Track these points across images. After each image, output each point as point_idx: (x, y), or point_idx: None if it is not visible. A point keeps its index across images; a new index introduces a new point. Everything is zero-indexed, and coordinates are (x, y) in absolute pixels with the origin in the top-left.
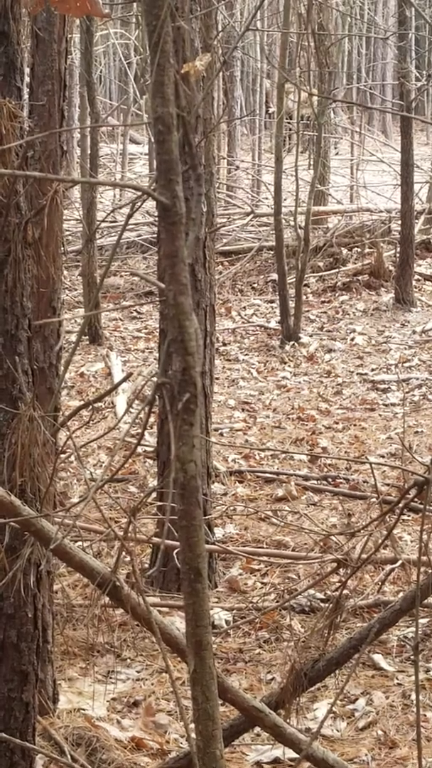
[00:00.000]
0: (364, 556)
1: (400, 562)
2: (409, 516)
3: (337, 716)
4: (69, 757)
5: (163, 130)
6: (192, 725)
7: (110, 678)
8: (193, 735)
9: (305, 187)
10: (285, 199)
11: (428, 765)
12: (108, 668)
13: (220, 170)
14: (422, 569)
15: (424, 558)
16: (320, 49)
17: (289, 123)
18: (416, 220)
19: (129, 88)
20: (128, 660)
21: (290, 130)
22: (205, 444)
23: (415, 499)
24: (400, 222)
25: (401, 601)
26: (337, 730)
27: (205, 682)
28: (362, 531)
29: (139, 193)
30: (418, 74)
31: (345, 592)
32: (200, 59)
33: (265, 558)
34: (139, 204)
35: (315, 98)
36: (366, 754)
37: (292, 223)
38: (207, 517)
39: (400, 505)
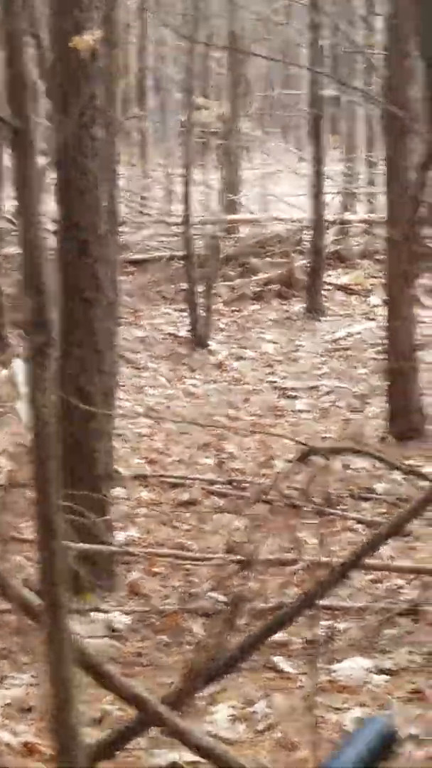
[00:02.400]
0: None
1: (301, 564)
2: (315, 521)
3: (237, 719)
4: None
5: (15, 46)
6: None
7: (3, 683)
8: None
9: (217, 196)
10: (202, 209)
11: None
12: (1, 673)
13: (133, 179)
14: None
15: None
16: (233, 58)
17: (202, 132)
18: (328, 231)
19: None
20: (22, 665)
21: (202, 139)
22: (107, 444)
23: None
24: (311, 232)
25: (300, 598)
26: (236, 733)
27: (59, 643)
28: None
29: None
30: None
31: (244, 592)
32: (91, 33)
33: (166, 558)
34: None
35: (226, 107)
36: (265, 757)
37: (203, 231)
38: (107, 518)
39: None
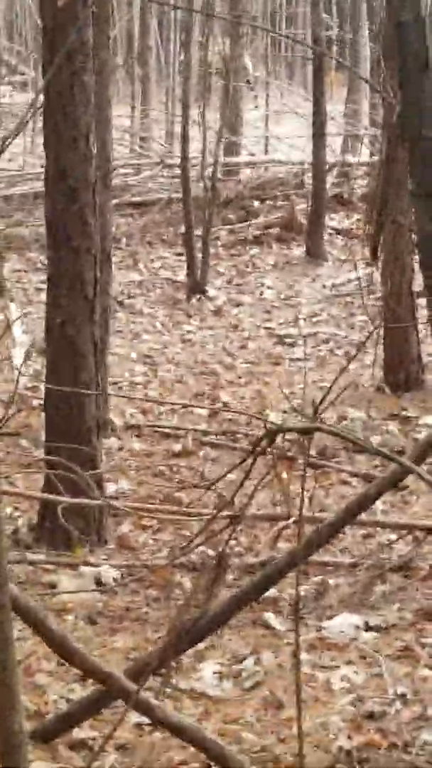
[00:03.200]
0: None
1: (293, 518)
2: (309, 472)
3: (224, 676)
4: None
5: None
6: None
7: None
8: None
9: (217, 137)
10: (201, 150)
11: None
12: None
13: (134, 120)
14: (311, 525)
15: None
16: None
17: (204, 72)
18: (329, 174)
19: None
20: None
21: (202, 79)
22: (97, 395)
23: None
24: (312, 175)
25: (285, 558)
26: (223, 691)
27: (1, 648)
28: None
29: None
30: (329, 22)
31: (232, 548)
32: None
33: (157, 514)
34: (29, 117)
35: (227, 46)
36: (251, 715)
37: (203, 173)
38: (96, 472)
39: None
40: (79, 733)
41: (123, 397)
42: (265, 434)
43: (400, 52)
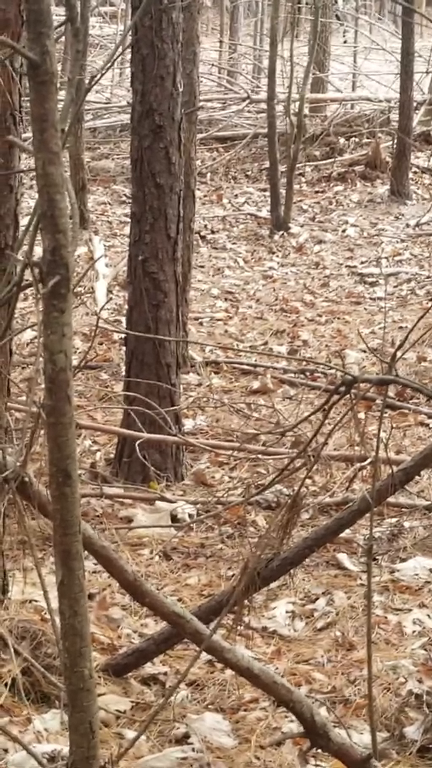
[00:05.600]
0: (334, 452)
1: (369, 460)
2: (386, 413)
3: (296, 616)
4: (12, 650)
5: None
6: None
7: None
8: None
9: (304, 73)
10: (287, 86)
11: (382, 668)
12: None
13: (223, 54)
14: (386, 468)
15: (388, 456)
16: None
17: (292, 6)
18: (416, 111)
19: None
20: (86, 552)
21: (290, 13)
22: (178, 332)
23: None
24: (398, 112)
25: (358, 502)
26: (295, 630)
27: (73, 595)
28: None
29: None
30: None
31: (305, 489)
32: None
33: (231, 452)
34: (110, 64)
35: None
36: (322, 656)
37: (288, 109)
38: (174, 408)
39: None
40: (150, 668)
41: (197, 343)
42: (340, 384)
43: None
